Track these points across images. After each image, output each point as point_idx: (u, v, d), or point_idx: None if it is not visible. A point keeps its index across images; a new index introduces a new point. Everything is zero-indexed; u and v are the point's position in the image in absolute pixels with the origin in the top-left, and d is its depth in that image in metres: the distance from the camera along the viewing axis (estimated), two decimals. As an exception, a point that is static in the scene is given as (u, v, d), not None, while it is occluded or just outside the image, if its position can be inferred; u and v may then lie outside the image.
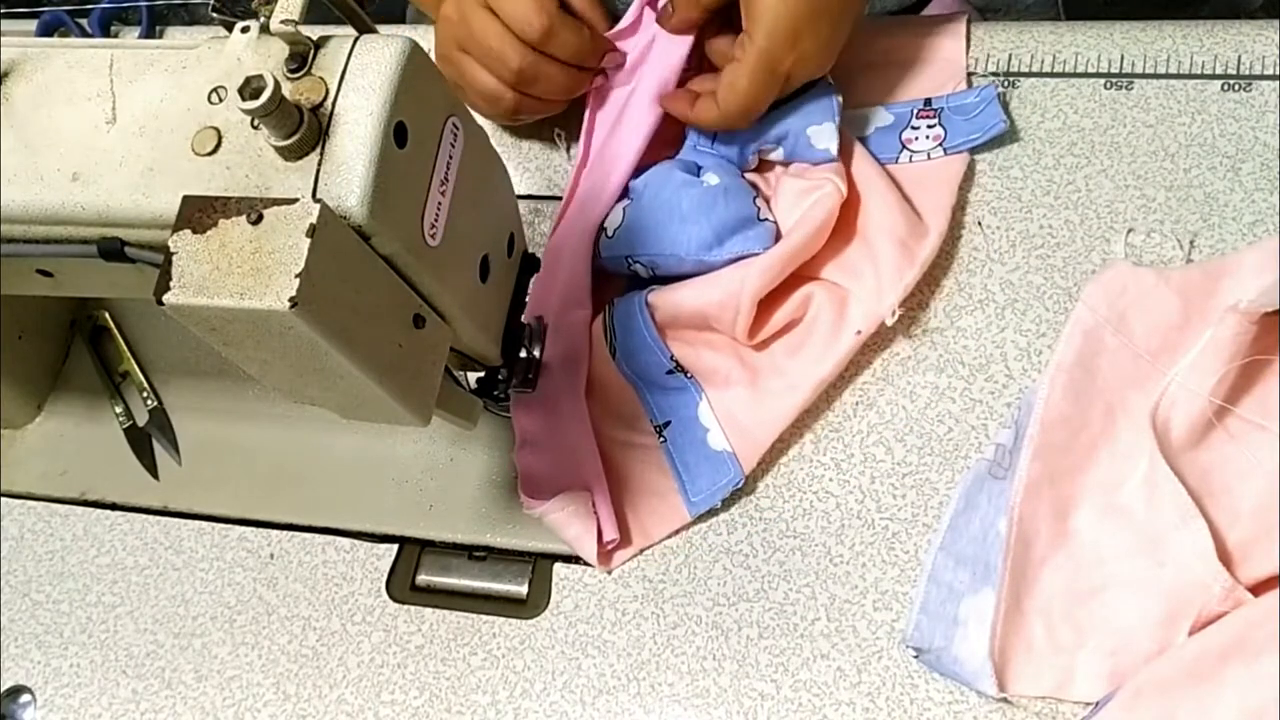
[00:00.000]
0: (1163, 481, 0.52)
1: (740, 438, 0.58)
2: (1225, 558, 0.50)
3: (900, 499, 0.57)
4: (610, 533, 0.57)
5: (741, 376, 0.59)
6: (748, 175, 0.63)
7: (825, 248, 0.59)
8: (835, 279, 0.60)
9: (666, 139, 0.64)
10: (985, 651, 0.51)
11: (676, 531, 0.58)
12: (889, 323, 0.57)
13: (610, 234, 0.61)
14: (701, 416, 0.59)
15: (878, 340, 0.60)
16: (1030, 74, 0.65)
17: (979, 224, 0.62)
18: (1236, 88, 0.62)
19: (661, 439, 0.60)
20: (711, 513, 0.58)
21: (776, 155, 0.61)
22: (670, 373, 0.60)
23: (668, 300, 0.59)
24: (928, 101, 0.64)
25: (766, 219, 0.59)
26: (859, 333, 0.57)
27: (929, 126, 0.63)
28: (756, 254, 0.58)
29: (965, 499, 0.55)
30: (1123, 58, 0.64)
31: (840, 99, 0.59)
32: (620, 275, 0.63)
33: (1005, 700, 0.51)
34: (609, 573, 0.58)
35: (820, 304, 0.59)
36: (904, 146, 0.63)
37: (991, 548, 0.53)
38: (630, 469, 0.60)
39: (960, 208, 0.62)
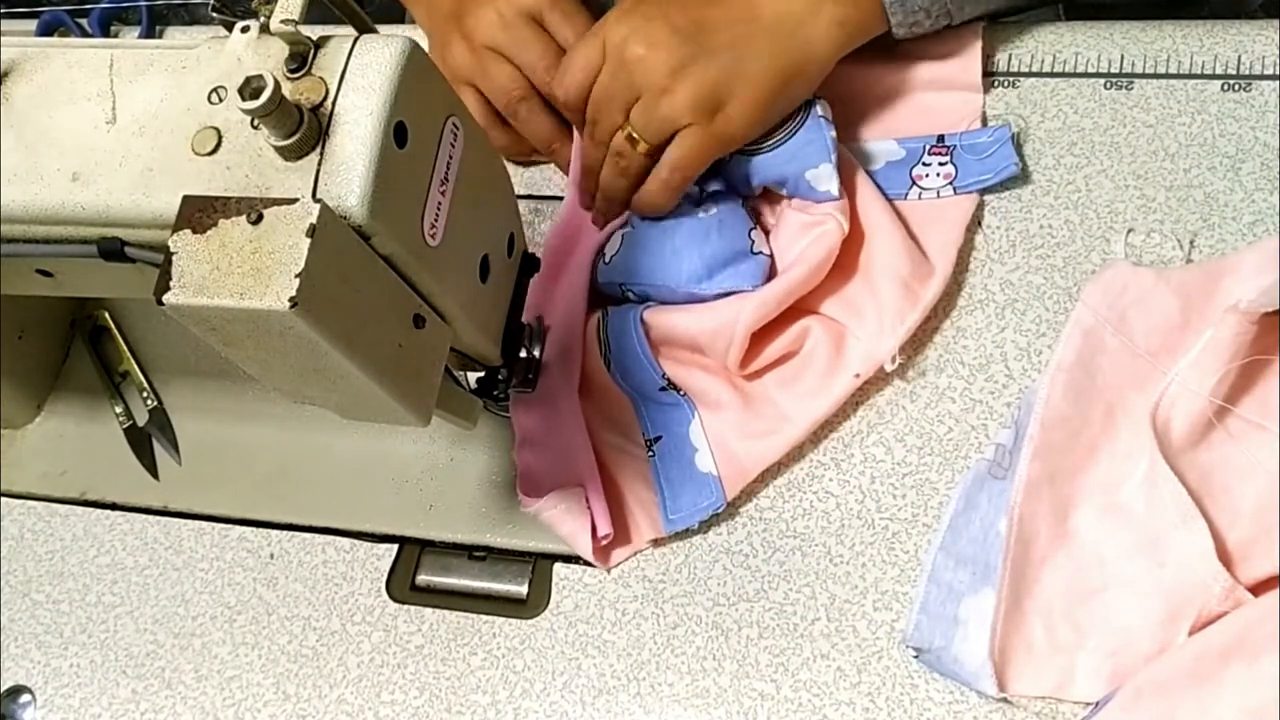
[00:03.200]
0: (1163, 481, 0.52)
1: (728, 463, 0.58)
2: (1225, 558, 0.50)
3: (900, 499, 0.57)
4: (604, 527, 0.57)
5: (733, 400, 0.59)
6: (752, 202, 0.62)
7: (826, 282, 0.59)
8: (835, 315, 0.59)
9: None
10: (985, 651, 0.51)
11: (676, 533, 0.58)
12: (889, 369, 0.57)
13: (608, 260, 0.61)
14: (692, 435, 0.59)
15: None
16: (1030, 74, 0.65)
17: (979, 224, 0.62)
18: (1236, 88, 0.62)
19: (650, 453, 0.60)
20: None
21: (782, 190, 0.61)
22: (664, 389, 0.60)
23: (662, 321, 0.59)
24: (940, 138, 0.63)
25: (760, 253, 0.59)
26: (857, 375, 0.57)
27: (940, 164, 0.62)
28: (745, 290, 0.58)
29: (965, 499, 0.55)
30: (1123, 58, 0.64)
31: (834, 134, 0.58)
32: (615, 298, 0.62)
33: (1005, 700, 0.51)
34: (609, 571, 0.58)
35: (817, 339, 0.58)
36: (914, 183, 0.62)
37: (991, 548, 0.53)
38: (620, 473, 0.59)
39: (973, 210, 0.62)
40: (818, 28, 0.57)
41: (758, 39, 0.57)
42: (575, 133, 0.64)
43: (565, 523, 0.57)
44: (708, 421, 0.59)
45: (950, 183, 0.62)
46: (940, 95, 0.64)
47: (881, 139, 0.64)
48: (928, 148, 0.63)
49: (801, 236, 0.59)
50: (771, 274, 0.59)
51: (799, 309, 0.59)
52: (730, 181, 0.61)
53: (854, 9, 0.58)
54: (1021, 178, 0.62)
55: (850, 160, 0.61)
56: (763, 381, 0.60)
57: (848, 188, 0.59)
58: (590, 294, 0.62)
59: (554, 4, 0.63)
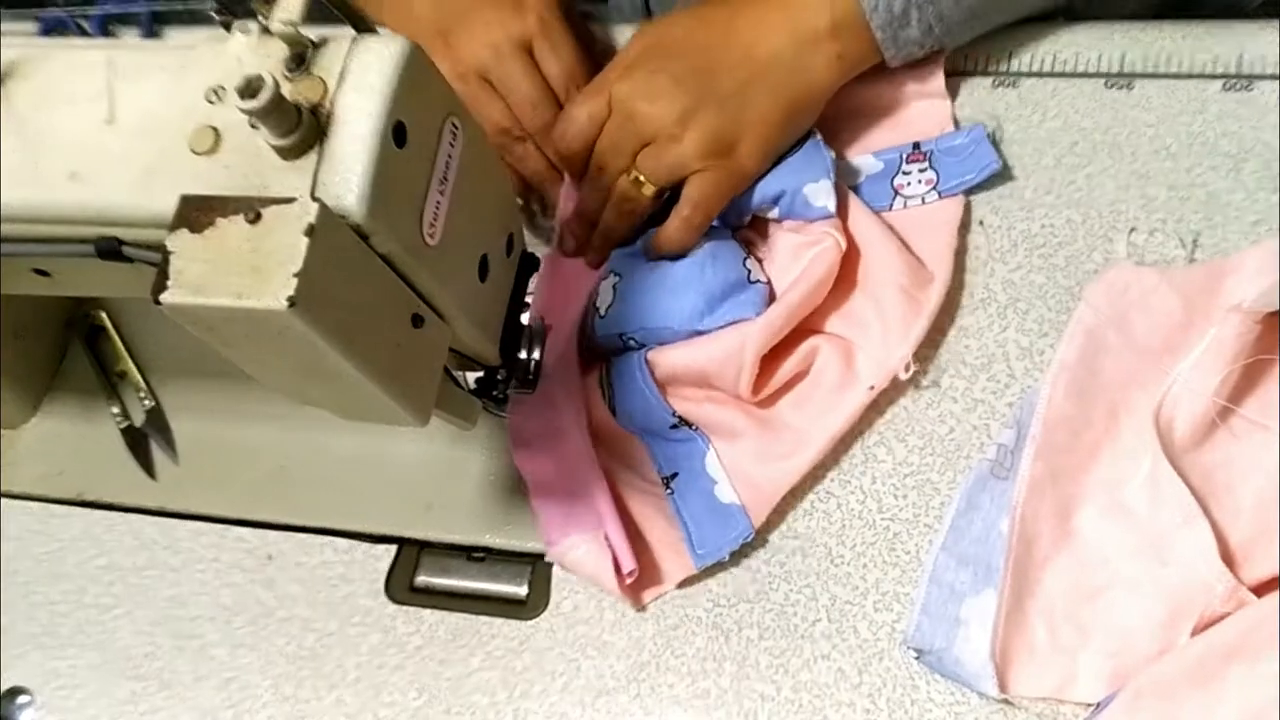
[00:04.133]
0: (1165, 481, 0.51)
1: (750, 490, 0.57)
2: (1228, 558, 0.50)
3: (901, 499, 0.57)
4: (628, 564, 0.55)
5: (748, 428, 0.58)
6: (742, 233, 0.62)
7: (828, 301, 0.58)
8: (840, 331, 0.59)
9: None
10: (987, 652, 0.51)
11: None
12: (903, 377, 0.56)
13: (603, 313, 0.60)
14: (709, 468, 0.58)
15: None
16: (1030, 74, 0.65)
17: (980, 223, 0.62)
18: (1237, 87, 0.62)
19: (669, 490, 0.59)
20: (712, 513, 0.58)
21: (773, 214, 0.60)
22: (674, 426, 0.59)
23: (667, 359, 0.58)
24: (916, 145, 0.63)
25: (758, 281, 0.58)
26: (871, 388, 0.57)
27: (920, 171, 0.62)
28: (749, 319, 0.57)
29: (967, 499, 0.55)
30: (1123, 58, 0.64)
31: (833, 156, 0.59)
32: (615, 350, 0.61)
33: (1007, 701, 0.51)
34: (642, 609, 0.57)
35: (826, 357, 0.58)
36: (897, 193, 0.62)
37: (993, 548, 0.53)
38: (640, 514, 0.58)
39: (962, 212, 0.62)
40: (816, 61, 0.59)
41: (759, 80, 0.58)
42: (566, 180, 0.64)
43: (587, 564, 0.56)
44: (724, 452, 0.58)
45: (934, 188, 0.62)
46: (908, 107, 0.64)
47: (858, 154, 0.64)
48: (905, 156, 0.63)
49: (798, 256, 0.58)
50: (771, 300, 0.58)
51: (804, 329, 0.58)
52: (723, 211, 0.60)
53: (850, 43, 0.59)
54: (1023, 178, 0.62)
55: (838, 181, 0.60)
56: (776, 405, 0.59)
57: (838, 206, 0.59)
58: (587, 347, 0.61)
59: (544, 33, 0.63)
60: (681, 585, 0.57)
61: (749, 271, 0.58)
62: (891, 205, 0.62)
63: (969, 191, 0.62)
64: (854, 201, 0.61)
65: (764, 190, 0.59)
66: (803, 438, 0.57)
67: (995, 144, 0.62)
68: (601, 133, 0.59)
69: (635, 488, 0.59)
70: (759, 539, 0.57)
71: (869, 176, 0.63)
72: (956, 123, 0.63)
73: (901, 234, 0.60)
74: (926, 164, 0.62)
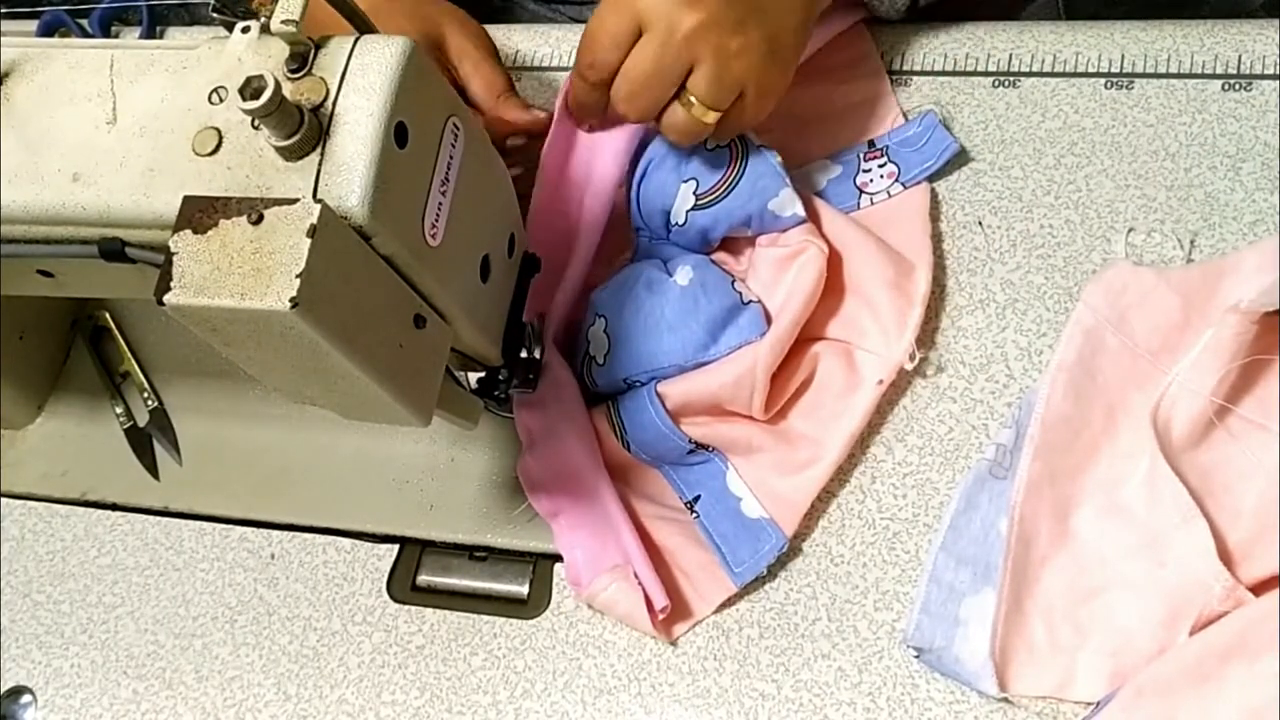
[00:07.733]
0: (1163, 481, 0.52)
1: (776, 503, 0.57)
2: (1226, 557, 0.50)
3: (901, 499, 0.57)
4: (660, 600, 0.54)
5: (764, 442, 0.58)
6: (715, 255, 0.61)
7: (819, 308, 0.58)
8: (838, 335, 0.59)
9: (619, 245, 0.63)
10: (986, 651, 0.51)
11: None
12: (909, 367, 0.56)
13: (601, 361, 0.59)
14: (731, 486, 0.58)
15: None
16: (1030, 74, 0.65)
17: (979, 224, 0.62)
18: (1237, 87, 0.62)
19: (694, 514, 0.58)
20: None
21: (748, 232, 0.60)
22: (691, 451, 0.59)
23: (679, 389, 0.57)
24: (871, 143, 0.63)
25: (751, 301, 0.58)
26: (881, 382, 0.57)
27: (880, 166, 0.62)
28: (754, 340, 0.56)
29: (966, 499, 0.55)
30: (1123, 57, 0.64)
31: (779, 158, 0.58)
32: (618, 391, 0.60)
33: (1006, 700, 0.51)
34: (673, 644, 0.56)
35: (829, 363, 0.58)
36: (861, 191, 0.62)
37: (992, 547, 0.53)
38: (668, 542, 0.58)
39: (960, 208, 0.62)
40: None
41: None
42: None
43: (620, 604, 0.55)
44: (743, 469, 0.58)
45: (896, 180, 0.62)
46: (854, 106, 0.65)
47: (814, 161, 0.64)
48: (862, 155, 0.63)
49: (782, 269, 0.58)
50: (767, 317, 0.58)
51: (801, 339, 0.58)
52: (689, 244, 0.60)
53: None
54: (1022, 177, 0.62)
55: (801, 189, 0.60)
56: (787, 418, 0.59)
57: (808, 214, 0.59)
58: (589, 392, 0.61)
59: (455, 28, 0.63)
60: (720, 609, 0.56)
61: (740, 294, 0.58)
62: (859, 204, 0.63)
63: (970, 191, 0.62)
64: (822, 207, 0.61)
65: (729, 220, 0.58)
66: (820, 444, 0.57)
67: (947, 127, 0.63)
68: (630, 57, 0.52)
69: (660, 518, 0.58)
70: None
71: (831, 180, 0.63)
72: (905, 114, 0.64)
73: (874, 231, 0.60)
74: (885, 159, 0.63)
